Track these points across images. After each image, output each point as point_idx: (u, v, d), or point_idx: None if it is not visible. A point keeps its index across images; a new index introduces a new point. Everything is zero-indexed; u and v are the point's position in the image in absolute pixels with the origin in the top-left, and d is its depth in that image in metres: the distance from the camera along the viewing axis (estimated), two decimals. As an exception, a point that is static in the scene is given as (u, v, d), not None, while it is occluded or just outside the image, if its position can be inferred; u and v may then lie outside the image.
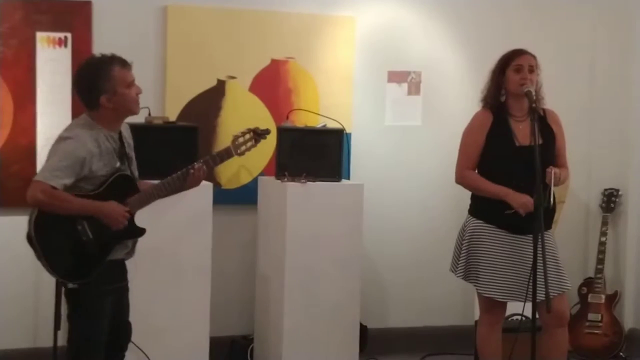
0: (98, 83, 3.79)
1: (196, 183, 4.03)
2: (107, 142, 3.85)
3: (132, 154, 4.05)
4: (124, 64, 3.85)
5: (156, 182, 4.05)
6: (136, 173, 4.11)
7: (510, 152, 4.55)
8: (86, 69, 3.87)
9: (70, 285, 3.88)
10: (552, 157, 4.55)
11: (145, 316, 4.85)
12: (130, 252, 4.06)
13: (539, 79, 4.62)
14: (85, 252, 3.83)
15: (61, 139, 3.82)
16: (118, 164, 3.88)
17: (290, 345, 5.15)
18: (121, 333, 4.07)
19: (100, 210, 3.80)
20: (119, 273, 4.01)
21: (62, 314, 4.11)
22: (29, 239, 3.81)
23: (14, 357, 5.20)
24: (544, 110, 4.66)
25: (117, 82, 3.80)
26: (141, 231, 4.00)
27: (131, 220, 3.92)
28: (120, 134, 3.95)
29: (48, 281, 4.38)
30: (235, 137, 4.07)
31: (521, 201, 4.43)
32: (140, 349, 4.86)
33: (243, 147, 4.06)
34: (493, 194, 4.53)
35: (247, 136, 4.07)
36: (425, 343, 5.95)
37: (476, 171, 4.66)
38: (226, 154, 4.05)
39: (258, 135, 4.08)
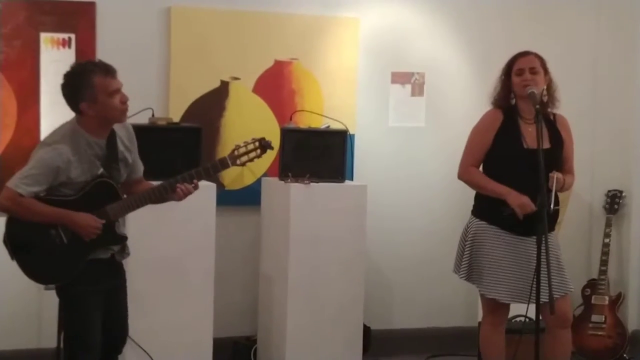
0: (79, 90, 3.76)
1: (184, 195, 3.93)
2: (88, 150, 3.82)
3: (129, 157, 4.01)
4: (107, 71, 3.78)
5: (153, 184, 4.03)
6: (138, 175, 4.09)
7: (517, 154, 4.54)
8: (69, 75, 3.82)
9: (45, 288, 3.93)
10: (559, 163, 4.54)
11: (149, 317, 4.86)
12: (121, 253, 4.02)
13: (552, 80, 4.61)
14: (59, 256, 3.83)
15: (42, 145, 3.83)
16: (100, 171, 3.85)
17: (294, 347, 5.15)
18: (116, 334, 4.05)
19: (71, 220, 3.79)
20: (107, 272, 3.95)
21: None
22: (3, 240, 3.85)
23: (18, 358, 5.21)
24: (554, 115, 4.65)
25: (98, 90, 3.75)
26: (121, 238, 3.96)
27: (111, 227, 3.89)
28: (112, 138, 3.89)
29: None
30: (237, 147, 3.93)
31: (520, 202, 4.42)
32: (143, 350, 4.86)
33: (244, 158, 3.90)
34: (494, 192, 4.52)
35: (251, 146, 3.91)
36: (428, 344, 5.94)
37: (481, 170, 4.66)
38: (221, 165, 3.91)
39: (263, 146, 3.91)
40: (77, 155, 3.78)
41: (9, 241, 3.84)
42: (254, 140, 3.92)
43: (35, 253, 3.83)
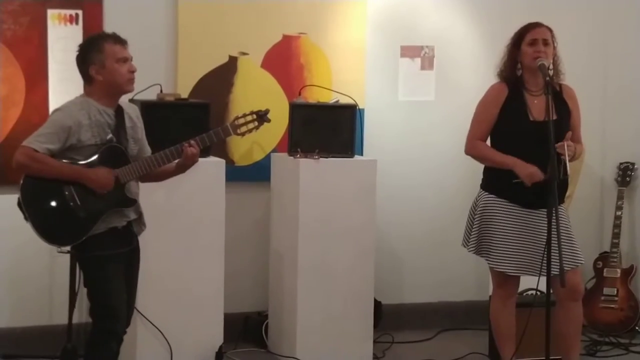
0: (89, 55, 3.96)
1: (191, 160, 4.07)
2: (98, 115, 3.95)
3: (137, 134, 4.11)
4: (117, 40, 3.98)
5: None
6: (146, 155, 4.14)
7: (524, 126, 4.52)
8: (82, 44, 4.08)
9: (58, 250, 4.03)
10: (566, 133, 4.52)
11: (159, 293, 4.87)
12: (139, 224, 4.13)
13: (558, 53, 4.58)
14: (73, 218, 3.92)
15: (54, 110, 4.03)
16: (109, 136, 3.97)
17: (305, 322, 5.16)
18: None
19: (84, 174, 3.91)
20: (122, 239, 4.04)
21: (77, 291, 4.17)
22: (18, 203, 3.94)
23: (30, 335, 5.22)
24: (560, 85, 4.62)
25: (107, 56, 3.94)
26: (131, 202, 4.04)
27: (121, 189, 3.98)
28: (119, 111, 4.02)
29: (63, 260, 4.40)
30: (236, 117, 4.13)
31: (528, 171, 4.41)
32: (154, 325, 4.88)
33: (244, 128, 4.11)
34: (501, 163, 4.51)
35: (249, 117, 4.11)
36: (439, 318, 5.95)
37: (488, 143, 4.64)
38: (223, 132, 4.10)
39: (260, 117, 4.11)
40: (88, 119, 3.92)
41: (23, 202, 3.92)
42: (252, 112, 4.12)
43: (49, 213, 3.92)
